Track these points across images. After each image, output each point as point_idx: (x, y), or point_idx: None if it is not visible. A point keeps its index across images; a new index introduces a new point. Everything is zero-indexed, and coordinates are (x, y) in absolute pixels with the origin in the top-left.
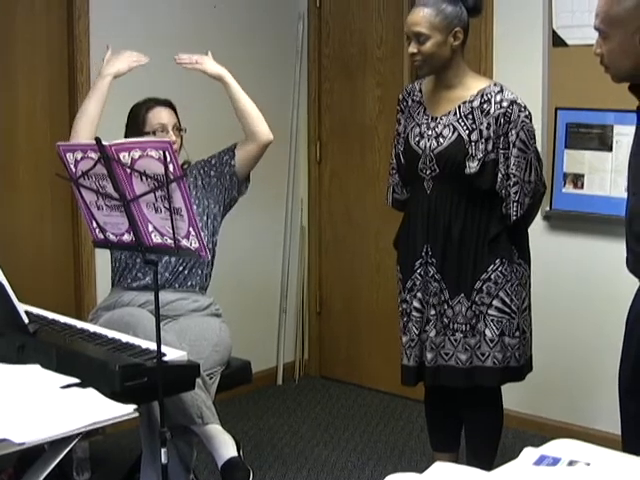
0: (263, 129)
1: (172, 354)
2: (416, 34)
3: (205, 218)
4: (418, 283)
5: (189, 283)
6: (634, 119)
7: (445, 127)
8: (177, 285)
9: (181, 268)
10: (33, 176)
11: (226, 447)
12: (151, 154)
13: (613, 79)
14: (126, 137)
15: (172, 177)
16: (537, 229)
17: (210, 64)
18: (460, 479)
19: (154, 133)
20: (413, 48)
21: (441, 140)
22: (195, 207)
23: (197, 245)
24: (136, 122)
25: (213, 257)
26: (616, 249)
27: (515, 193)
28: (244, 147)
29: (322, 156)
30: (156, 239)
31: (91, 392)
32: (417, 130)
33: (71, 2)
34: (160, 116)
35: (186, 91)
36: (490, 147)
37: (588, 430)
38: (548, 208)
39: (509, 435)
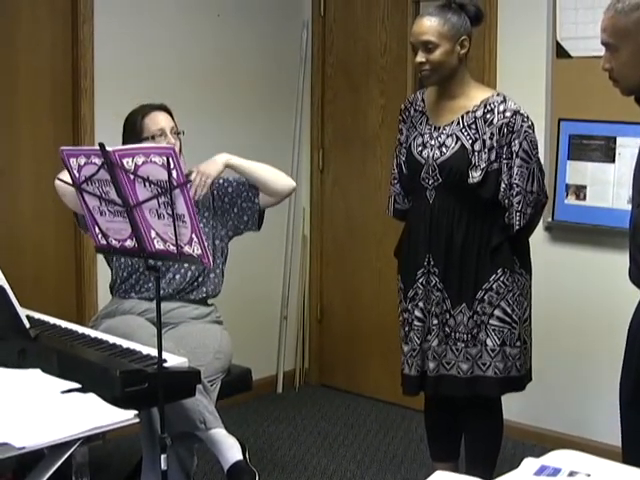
0: (282, 186)
1: (173, 360)
2: (424, 43)
3: (212, 239)
4: (420, 292)
5: (198, 297)
6: (636, 131)
7: (448, 137)
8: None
9: (187, 285)
10: (36, 181)
11: (231, 451)
12: (155, 160)
13: (623, 92)
14: (124, 143)
15: (175, 183)
16: (539, 240)
17: (211, 169)
18: None
19: (153, 138)
20: (421, 57)
21: (444, 150)
22: (202, 225)
23: (200, 252)
24: (134, 129)
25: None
26: (618, 260)
27: (518, 203)
28: (266, 197)
29: (324, 164)
30: (159, 245)
31: (92, 397)
32: (420, 140)
33: (75, 8)
34: (157, 120)
35: (189, 97)
36: (493, 157)
37: (589, 441)
38: (550, 219)
39: (509, 445)
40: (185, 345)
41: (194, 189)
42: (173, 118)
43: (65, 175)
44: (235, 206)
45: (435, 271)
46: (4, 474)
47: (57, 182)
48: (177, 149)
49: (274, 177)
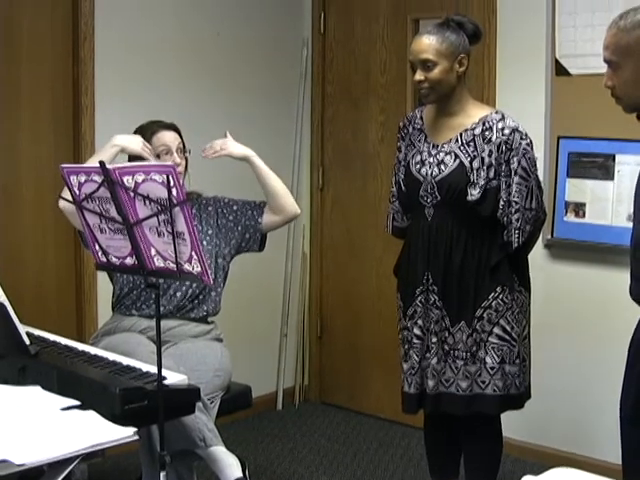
0: (290, 204)
1: (172, 378)
2: (423, 61)
3: (214, 257)
4: (419, 310)
5: (199, 315)
6: (635, 149)
7: (447, 154)
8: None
9: (188, 302)
10: (36, 198)
11: (231, 468)
12: (155, 178)
13: (625, 110)
14: (130, 160)
15: (175, 201)
16: (538, 257)
17: (234, 146)
18: None
19: (158, 156)
20: (420, 75)
21: (443, 167)
22: (205, 243)
23: (199, 269)
24: None
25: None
26: (617, 278)
27: (517, 220)
28: (270, 216)
29: (324, 182)
30: (158, 263)
31: (91, 414)
32: (418, 157)
33: (76, 25)
34: (164, 138)
35: (189, 114)
36: (492, 174)
37: (588, 459)
38: (549, 236)
39: (508, 463)
40: (185, 363)
41: (207, 150)
42: (181, 136)
43: (67, 193)
44: (239, 224)
45: (434, 289)
46: None
47: (62, 203)
48: (182, 168)
49: (284, 193)
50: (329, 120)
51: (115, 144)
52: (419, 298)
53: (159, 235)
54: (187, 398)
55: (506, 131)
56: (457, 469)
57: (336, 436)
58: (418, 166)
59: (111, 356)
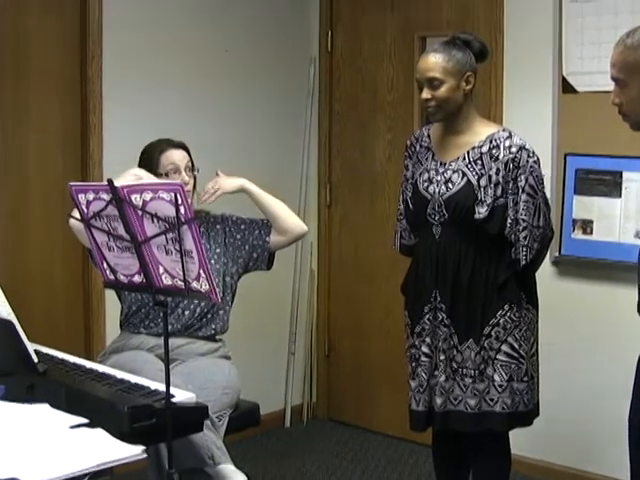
0: (294, 225)
1: (181, 396)
2: (429, 79)
3: (222, 276)
4: (427, 328)
5: (207, 333)
6: None
7: (454, 172)
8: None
9: (196, 321)
10: (45, 216)
11: None
12: (162, 196)
13: (632, 127)
14: None
15: (183, 219)
16: (546, 274)
17: (227, 183)
18: None
19: (167, 175)
20: (427, 94)
21: (450, 186)
22: (213, 262)
23: (207, 287)
24: (149, 164)
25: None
26: (625, 295)
27: (524, 238)
28: (277, 235)
29: (332, 200)
30: (166, 281)
31: (100, 432)
32: (426, 175)
33: (84, 44)
34: (172, 157)
35: (198, 134)
36: (499, 192)
37: (597, 476)
38: (557, 254)
39: None
40: (193, 381)
41: (202, 195)
42: (190, 155)
43: (77, 212)
44: (247, 243)
45: (442, 307)
46: None
47: (71, 222)
48: (190, 187)
49: (286, 214)
50: (336, 138)
51: (135, 173)
52: (427, 316)
53: (167, 253)
54: (195, 416)
55: (513, 149)
56: None
57: (344, 453)
58: (425, 184)
59: (119, 374)
